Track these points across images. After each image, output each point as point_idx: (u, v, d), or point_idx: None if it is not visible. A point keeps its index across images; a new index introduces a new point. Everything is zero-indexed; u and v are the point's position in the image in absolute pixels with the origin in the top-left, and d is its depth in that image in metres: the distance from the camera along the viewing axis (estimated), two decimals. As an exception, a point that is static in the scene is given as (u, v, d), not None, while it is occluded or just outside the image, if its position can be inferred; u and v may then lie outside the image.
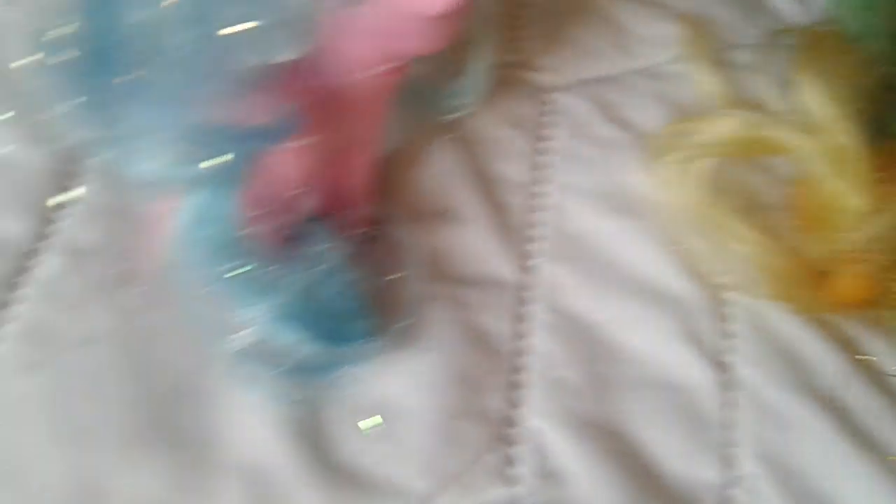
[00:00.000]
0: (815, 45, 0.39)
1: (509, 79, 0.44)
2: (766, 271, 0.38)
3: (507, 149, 0.42)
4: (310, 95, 0.29)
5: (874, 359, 0.37)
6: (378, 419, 0.33)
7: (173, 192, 0.29)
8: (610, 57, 0.46)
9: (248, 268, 0.28)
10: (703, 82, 0.44)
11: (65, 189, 0.37)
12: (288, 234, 0.31)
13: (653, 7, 0.48)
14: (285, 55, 0.28)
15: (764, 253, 0.38)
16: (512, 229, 0.39)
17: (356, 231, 0.34)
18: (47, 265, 0.35)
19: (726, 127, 0.38)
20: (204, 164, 0.26)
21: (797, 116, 0.38)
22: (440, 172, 0.40)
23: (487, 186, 0.40)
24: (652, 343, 0.37)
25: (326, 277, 0.30)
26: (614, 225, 0.40)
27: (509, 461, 0.33)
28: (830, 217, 0.37)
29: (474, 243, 0.38)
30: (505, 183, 0.41)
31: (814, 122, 0.37)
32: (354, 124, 0.33)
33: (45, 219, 0.36)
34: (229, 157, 0.26)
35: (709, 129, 0.38)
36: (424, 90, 0.39)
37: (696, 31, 0.47)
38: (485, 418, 0.34)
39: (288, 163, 0.30)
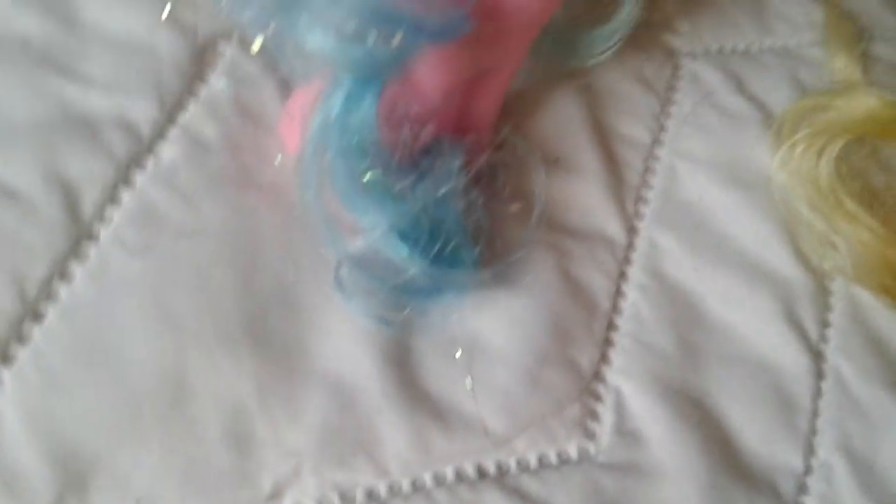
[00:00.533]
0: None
1: (645, 38, 0.43)
2: (877, 262, 0.37)
3: (631, 106, 0.41)
4: (478, 3, 0.29)
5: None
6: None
7: (326, 76, 0.29)
8: (748, 30, 0.45)
9: (379, 172, 0.28)
10: (839, 70, 0.43)
11: (199, 78, 0.37)
12: (418, 147, 0.31)
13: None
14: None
15: (878, 242, 0.37)
16: (624, 187, 0.39)
17: (479, 157, 0.33)
18: (170, 152, 0.35)
19: (864, 105, 0.37)
20: (371, 45, 0.25)
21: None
22: (561, 119, 0.40)
23: (605, 140, 0.40)
24: (750, 320, 0.36)
25: (446, 198, 0.30)
26: (727, 197, 0.39)
27: (591, 415, 0.33)
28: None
29: (584, 195, 0.38)
30: (624, 140, 0.40)
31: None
32: (507, 46, 0.33)
33: (175, 106, 0.36)
34: (397, 41, 0.25)
35: (845, 106, 0.37)
36: (565, 31, 0.39)
37: (841, 18, 0.45)
38: (572, 369, 0.34)
39: (435, 70, 0.30)
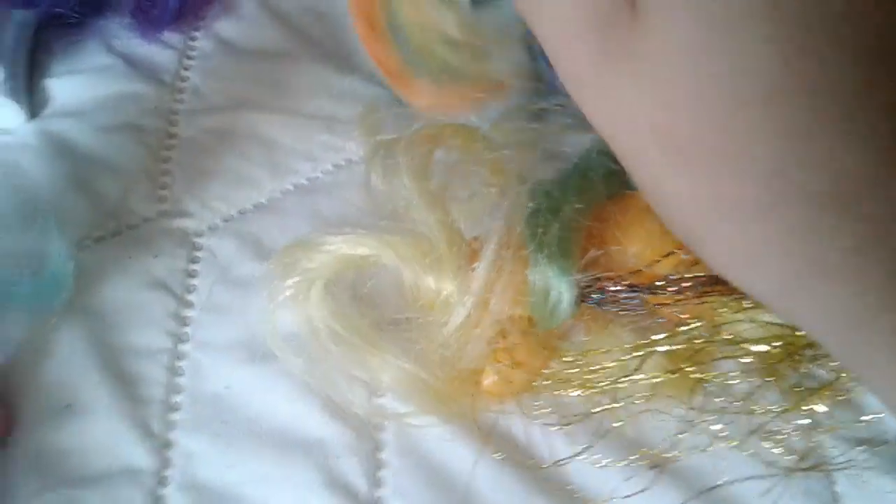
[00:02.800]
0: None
1: (152, 234, 0.42)
2: (411, 387, 0.37)
3: (145, 315, 0.40)
4: None
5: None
6: None
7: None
8: (260, 181, 0.45)
9: None
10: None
11: None
12: None
13: (298, 117, 0.46)
14: None
15: (404, 370, 0.36)
16: (148, 406, 0.38)
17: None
18: None
19: (331, 249, 0.36)
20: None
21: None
22: (67, 359, 0.39)
23: (120, 364, 0.39)
24: (292, 498, 0.35)
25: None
26: (253, 375, 0.39)
27: None
28: (436, 314, 0.36)
29: (103, 436, 0.37)
30: (141, 354, 0.39)
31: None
32: None
33: None
34: None
35: (313, 253, 0.36)
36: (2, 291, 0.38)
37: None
38: None
39: None
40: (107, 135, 0.46)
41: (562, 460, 0.37)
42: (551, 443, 0.37)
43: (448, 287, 0.35)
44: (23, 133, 0.46)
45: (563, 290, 0.34)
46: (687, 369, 0.36)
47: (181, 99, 0.48)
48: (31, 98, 0.47)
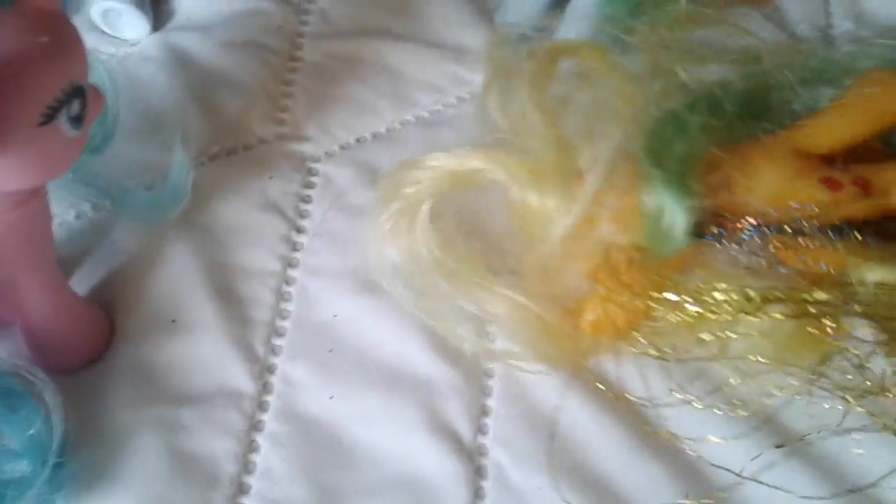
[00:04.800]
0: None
1: (270, 155, 0.41)
2: (517, 326, 0.35)
3: (256, 236, 0.39)
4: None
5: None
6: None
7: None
8: (381, 111, 0.43)
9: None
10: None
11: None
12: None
13: (427, 47, 0.44)
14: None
15: (511, 301, 0.35)
16: (252, 329, 0.37)
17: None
18: None
19: (437, 165, 0.35)
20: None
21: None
22: (175, 275, 0.38)
23: (228, 284, 0.38)
24: (393, 438, 0.35)
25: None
26: (360, 306, 0.37)
27: None
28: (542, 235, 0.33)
29: (205, 354, 0.36)
30: (250, 275, 0.38)
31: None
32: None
33: None
34: None
35: (420, 173, 0.35)
36: (119, 198, 0.37)
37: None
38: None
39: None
40: (230, 51, 0.44)
41: (666, 404, 0.34)
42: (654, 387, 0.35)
43: (553, 202, 0.33)
44: (146, 45, 0.45)
45: (678, 214, 0.32)
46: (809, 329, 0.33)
47: (307, 21, 0.46)
48: (157, 10, 0.46)
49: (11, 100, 0.25)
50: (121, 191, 0.38)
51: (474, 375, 0.36)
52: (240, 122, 0.42)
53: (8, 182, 0.27)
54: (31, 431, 0.30)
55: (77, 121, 0.27)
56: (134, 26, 0.45)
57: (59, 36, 0.27)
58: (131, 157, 0.39)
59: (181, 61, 0.44)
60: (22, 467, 0.30)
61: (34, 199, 0.29)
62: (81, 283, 0.37)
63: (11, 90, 0.25)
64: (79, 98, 0.27)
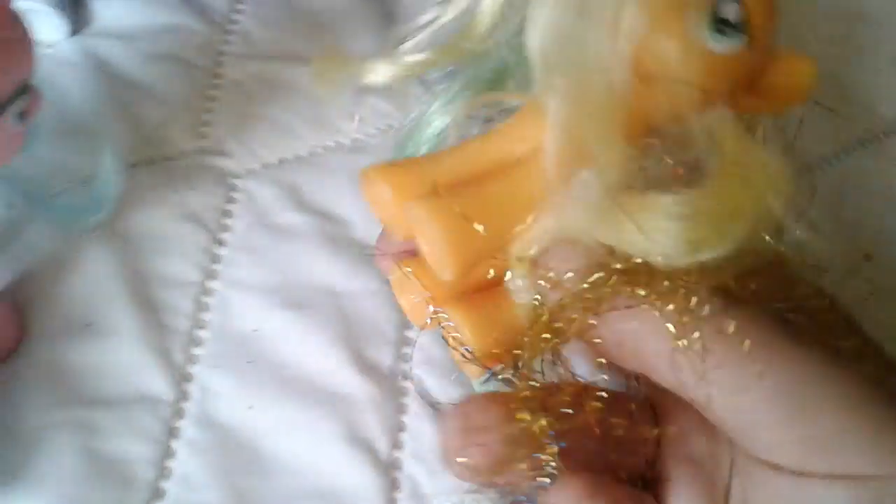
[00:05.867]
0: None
1: (193, 167, 0.41)
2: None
3: (177, 245, 0.39)
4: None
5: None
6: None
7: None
8: (303, 134, 0.44)
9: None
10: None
11: None
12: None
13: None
14: None
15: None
16: (170, 336, 0.37)
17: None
18: None
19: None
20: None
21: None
22: (92, 278, 0.37)
23: (146, 290, 0.38)
24: (312, 450, 0.35)
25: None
26: (285, 320, 0.37)
27: None
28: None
29: (122, 358, 0.36)
30: (169, 283, 0.38)
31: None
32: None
33: None
34: None
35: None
36: (37, 200, 0.36)
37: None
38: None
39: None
40: (152, 62, 0.45)
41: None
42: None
43: None
44: (64, 49, 0.44)
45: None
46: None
47: (230, 41, 0.47)
48: (76, 12, 0.45)
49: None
50: (40, 192, 0.37)
51: (392, 393, 0.37)
52: (161, 133, 0.42)
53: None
54: None
55: (22, 116, 0.28)
56: (50, 27, 0.45)
57: (12, 33, 0.27)
58: (50, 158, 0.38)
59: (101, 68, 0.44)
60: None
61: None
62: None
63: None
64: (26, 94, 0.28)
